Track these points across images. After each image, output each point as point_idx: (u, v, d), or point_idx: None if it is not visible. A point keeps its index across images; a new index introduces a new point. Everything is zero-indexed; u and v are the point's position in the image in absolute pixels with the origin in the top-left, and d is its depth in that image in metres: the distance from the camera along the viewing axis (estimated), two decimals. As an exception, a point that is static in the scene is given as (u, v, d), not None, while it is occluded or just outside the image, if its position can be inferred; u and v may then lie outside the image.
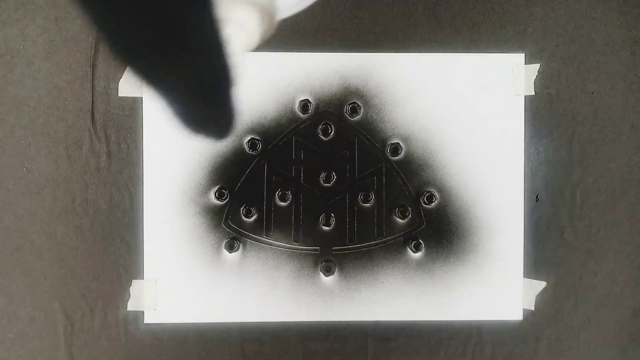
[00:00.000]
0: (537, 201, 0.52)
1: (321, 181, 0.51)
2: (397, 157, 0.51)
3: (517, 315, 0.52)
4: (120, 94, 0.51)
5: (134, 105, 0.51)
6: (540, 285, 0.52)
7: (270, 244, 0.51)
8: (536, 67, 0.52)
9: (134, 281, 0.51)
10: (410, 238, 0.51)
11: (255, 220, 0.51)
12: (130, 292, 0.51)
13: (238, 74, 0.22)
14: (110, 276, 0.51)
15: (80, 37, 0.51)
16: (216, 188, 0.51)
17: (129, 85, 0.51)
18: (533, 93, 0.52)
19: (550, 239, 0.52)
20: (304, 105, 0.51)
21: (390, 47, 0.52)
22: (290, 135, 0.51)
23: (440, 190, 0.51)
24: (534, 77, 0.52)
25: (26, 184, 0.50)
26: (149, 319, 0.51)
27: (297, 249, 0.51)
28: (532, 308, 0.52)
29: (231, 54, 0.21)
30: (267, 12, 0.25)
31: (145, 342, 0.51)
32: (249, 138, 0.51)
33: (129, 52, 0.19)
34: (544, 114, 0.52)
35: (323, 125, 0.51)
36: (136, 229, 0.51)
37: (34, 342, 0.51)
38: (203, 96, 0.23)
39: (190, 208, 0.51)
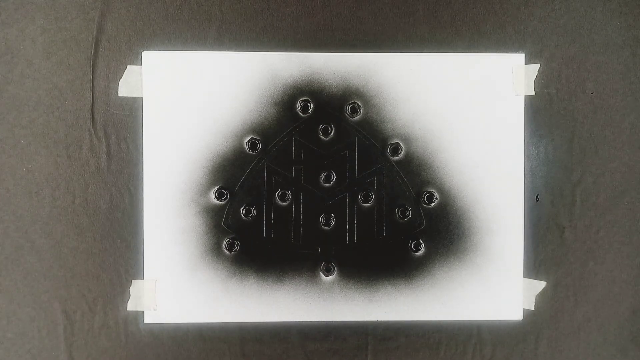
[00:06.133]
0: (537, 201, 0.52)
1: (321, 181, 0.51)
2: (397, 157, 0.51)
3: (517, 315, 0.52)
4: (120, 94, 0.51)
5: (134, 105, 0.51)
6: (540, 285, 0.52)
7: (270, 244, 0.51)
8: (536, 67, 0.52)
9: (134, 281, 0.51)
10: (410, 238, 0.51)
11: (255, 220, 0.51)
12: (130, 292, 0.51)
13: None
14: (110, 276, 0.51)
15: (80, 37, 0.51)
16: (216, 188, 0.51)
17: (129, 85, 0.51)
18: (533, 93, 0.52)
19: (550, 239, 0.52)
20: (304, 105, 0.51)
21: (390, 47, 0.52)
22: (290, 135, 0.51)
23: (440, 190, 0.51)
24: (534, 77, 0.52)
25: (26, 184, 0.50)
26: (149, 319, 0.51)
27: (297, 249, 0.51)
28: (532, 308, 0.52)
29: None
30: None
31: (145, 342, 0.51)
32: (249, 138, 0.51)
33: None
34: (544, 114, 0.52)
35: (323, 125, 0.51)
36: (136, 229, 0.51)
37: (34, 342, 0.51)
38: None
39: (190, 208, 0.51)
